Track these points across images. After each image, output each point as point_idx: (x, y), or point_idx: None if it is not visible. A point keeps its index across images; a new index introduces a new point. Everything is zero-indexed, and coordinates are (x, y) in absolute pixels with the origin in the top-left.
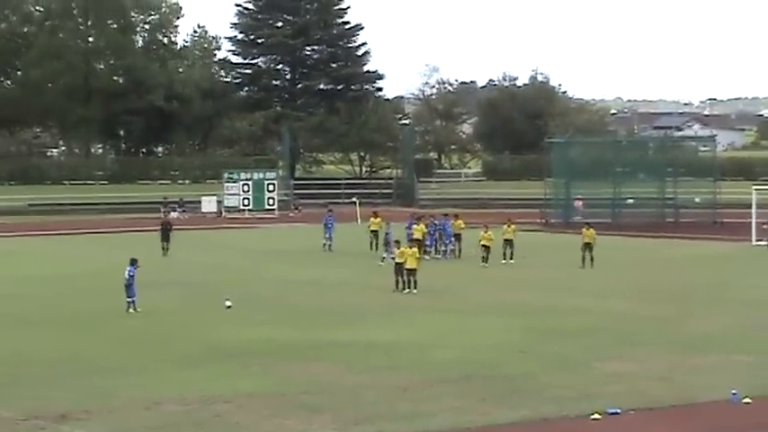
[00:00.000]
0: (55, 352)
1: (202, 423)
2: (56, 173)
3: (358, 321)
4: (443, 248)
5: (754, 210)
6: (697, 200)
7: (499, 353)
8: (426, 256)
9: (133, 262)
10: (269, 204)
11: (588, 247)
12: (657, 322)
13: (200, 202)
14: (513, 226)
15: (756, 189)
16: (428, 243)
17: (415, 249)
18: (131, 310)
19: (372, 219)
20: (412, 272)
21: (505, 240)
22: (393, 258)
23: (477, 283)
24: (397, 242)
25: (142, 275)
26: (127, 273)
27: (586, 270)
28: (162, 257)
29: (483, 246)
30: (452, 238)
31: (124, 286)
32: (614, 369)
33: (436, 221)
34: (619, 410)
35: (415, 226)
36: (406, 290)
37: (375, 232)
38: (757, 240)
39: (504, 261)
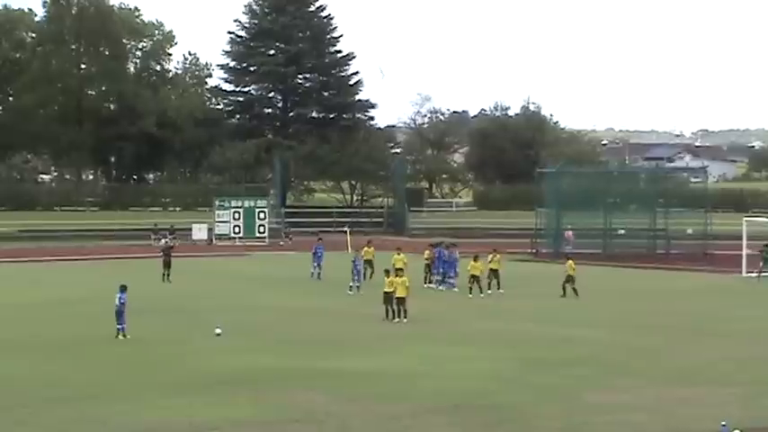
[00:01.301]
0: (42, 377)
1: None
2: (46, 198)
3: (347, 350)
4: (450, 279)
5: (744, 241)
6: (689, 231)
7: (488, 383)
8: (433, 285)
9: (123, 289)
10: (260, 232)
11: (570, 278)
12: (647, 353)
13: (190, 229)
14: (498, 255)
15: (747, 220)
16: (435, 271)
17: (405, 278)
18: (120, 337)
19: (366, 248)
20: (402, 301)
21: (491, 270)
22: (358, 287)
23: (467, 313)
24: (387, 271)
25: (132, 302)
26: (117, 299)
27: (576, 300)
28: (157, 284)
29: (472, 276)
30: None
31: (115, 313)
32: (603, 399)
33: (445, 251)
34: None
35: (396, 256)
36: (396, 319)
37: (369, 261)
38: (748, 272)
39: (489, 291)
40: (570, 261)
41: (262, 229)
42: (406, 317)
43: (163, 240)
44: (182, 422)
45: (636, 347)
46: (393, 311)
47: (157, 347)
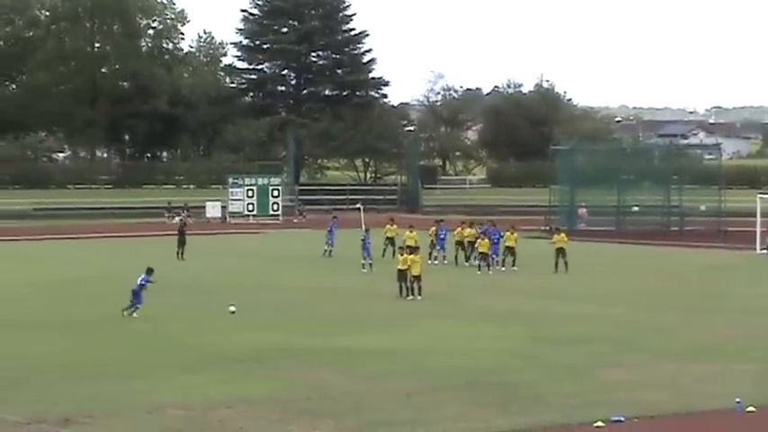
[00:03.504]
0: (59, 356)
1: (205, 428)
2: (61, 177)
3: (360, 328)
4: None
5: (758, 218)
6: (703, 208)
7: (501, 360)
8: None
9: (149, 271)
10: (273, 210)
11: (561, 252)
12: (661, 330)
13: (204, 207)
14: (515, 234)
15: (761, 197)
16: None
17: (419, 256)
18: (125, 314)
19: (389, 225)
20: (417, 278)
21: (507, 247)
22: (371, 264)
23: (480, 290)
24: (401, 249)
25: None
26: (140, 279)
27: (589, 277)
28: (172, 262)
29: (481, 253)
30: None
31: (131, 291)
32: (617, 377)
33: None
34: (622, 418)
35: (408, 233)
36: (410, 296)
37: (391, 239)
38: (762, 249)
39: (503, 268)
40: (562, 234)
41: (275, 206)
42: (420, 294)
43: (177, 218)
44: (197, 400)
45: (649, 324)
46: (407, 289)
47: (173, 325)
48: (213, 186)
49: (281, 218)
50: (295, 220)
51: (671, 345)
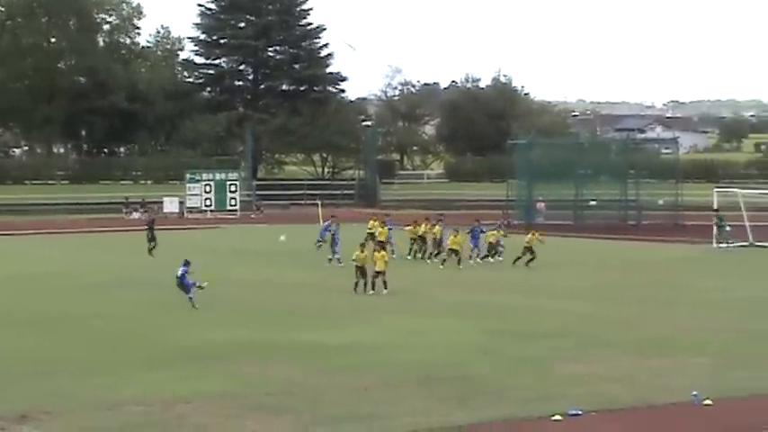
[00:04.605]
0: (15, 352)
1: (164, 424)
2: (17, 173)
3: (320, 322)
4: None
5: (715, 207)
6: (661, 202)
7: (461, 354)
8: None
9: (186, 263)
10: (231, 205)
11: (529, 250)
12: (619, 324)
13: (162, 202)
14: (501, 232)
15: (718, 191)
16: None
17: (384, 253)
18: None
19: (372, 221)
20: (381, 274)
21: (489, 243)
22: (338, 259)
23: (442, 285)
24: (362, 245)
25: (104, 276)
26: (180, 271)
27: (547, 271)
28: (131, 257)
29: (451, 249)
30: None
31: (182, 285)
32: (576, 371)
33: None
34: (580, 412)
35: (379, 229)
36: (371, 291)
37: (372, 234)
38: (718, 243)
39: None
40: (535, 233)
41: (233, 201)
42: (386, 288)
43: (135, 214)
44: (156, 396)
45: (609, 318)
46: (364, 284)
47: (132, 322)
48: (171, 182)
49: (238, 213)
50: (252, 216)
51: (629, 338)
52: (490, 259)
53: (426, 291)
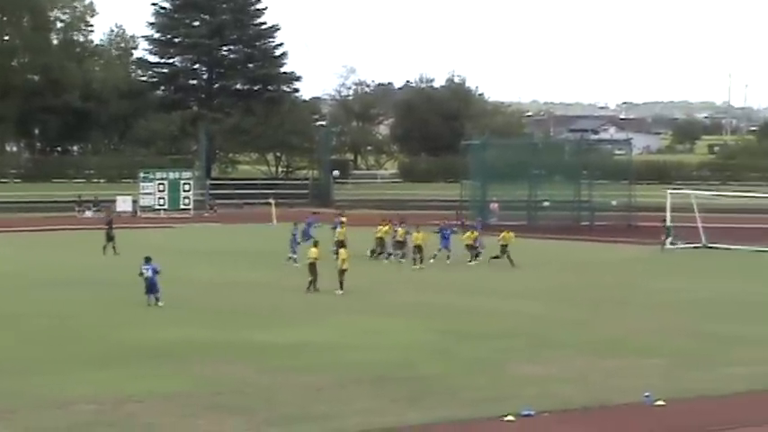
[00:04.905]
0: None
1: (115, 423)
2: None
3: (274, 322)
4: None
5: (668, 213)
6: (614, 202)
7: (414, 354)
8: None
9: (148, 260)
10: (184, 204)
11: (505, 248)
12: (571, 325)
13: (115, 201)
14: (475, 233)
15: (671, 193)
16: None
17: (345, 251)
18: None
19: (383, 226)
20: (342, 273)
21: (467, 245)
22: (295, 259)
23: (397, 285)
24: (316, 242)
25: (57, 274)
26: (149, 270)
27: (502, 272)
28: (85, 255)
29: (416, 246)
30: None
31: (150, 284)
32: (528, 371)
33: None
34: (532, 412)
35: (339, 229)
36: (340, 291)
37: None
38: (670, 244)
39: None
40: (511, 233)
41: (186, 201)
42: (341, 288)
43: (87, 212)
44: (107, 395)
45: (562, 319)
46: (312, 283)
47: (83, 321)
48: (124, 181)
49: (191, 212)
50: (206, 215)
51: (582, 339)
52: (472, 262)
53: (381, 291)
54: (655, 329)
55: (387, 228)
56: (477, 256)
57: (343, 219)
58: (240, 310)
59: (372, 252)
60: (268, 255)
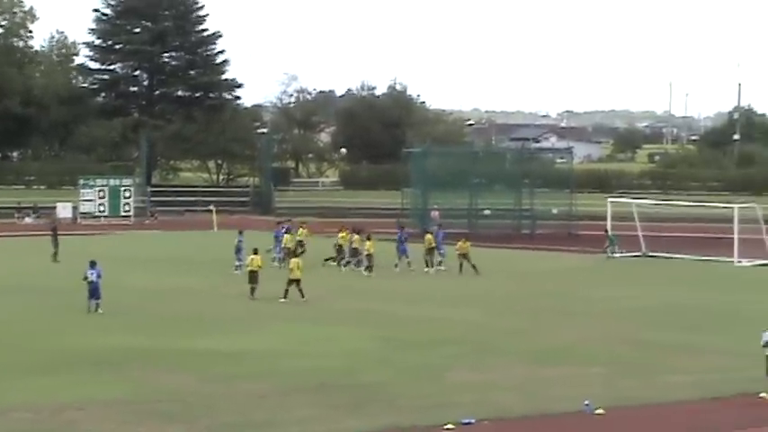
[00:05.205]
0: None
1: (53, 431)
2: None
3: (215, 330)
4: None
5: (609, 222)
6: (554, 211)
7: (356, 362)
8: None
9: (93, 264)
10: (125, 211)
11: (465, 257)
12: (512, 333)
13: (55, 207)
14: (467, 244)
15: (611, 201)
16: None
17: (299, 260)
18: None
19: (342, 233)
20: (297, 281)
21: (430, 250)
22: (240, 267)
23: (343, 293)
24: (255, 250)
25: None
26: (94, 275)
27: (443, 280)
28: (22, 262)
29: (368, 254)
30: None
31: (93, 288)
32: (469, 379)
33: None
34: (472, 420)
35: (286, 236)
36: (284, 299)
37: (300, 242)
38: (611, 252)
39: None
40: (467, 243)
41: (127, 207)
42: (286, 297)
43: (27, 219)
44: (45, 402)
45: (503, 327)
46: (254, 290)
47: (23, 327)
48: (64, 187)
49: (132, 219)
50: (146, 222)
51: (523, 347)
52: (430, 269)
53: (326, 298)
54: (596, 338)
55: (345, 234)
56: (439, 263)
57: (303, 228)
58: (181, 317)
59: (329, 259)
60: (209, 262)
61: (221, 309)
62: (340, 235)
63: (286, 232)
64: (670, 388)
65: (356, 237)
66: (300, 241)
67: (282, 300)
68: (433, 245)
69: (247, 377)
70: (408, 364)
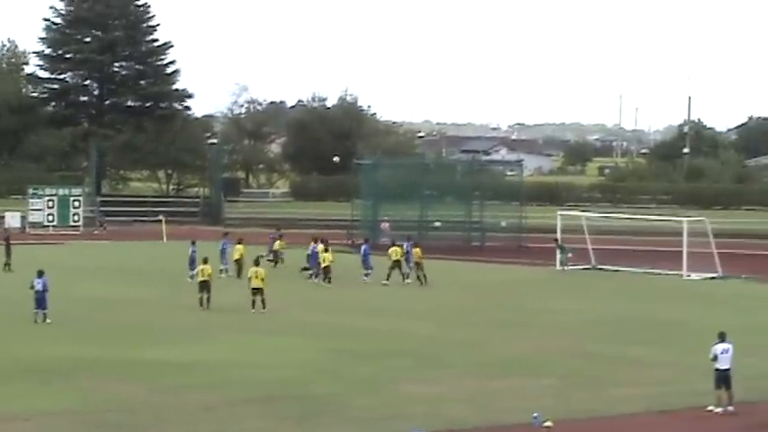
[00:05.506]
0: None
1: None
2: None
3: (165, 340)
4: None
5: (559, 234)
6: (503, 224)
7: (307, 373)
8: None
9: (41, 274)
10: (74, 221)
11: (398, 264)
12: (463, 345)
13: (3, 217)
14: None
15: (561, 214)
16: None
17: (258, 269)
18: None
19: (279, 241)
20: (260, 291)
21: (395, 261)
22: (193, 276)
23: (295, 304)
24: (205, 260)
25: None
26: (40, 285)
27: (394, 292)
28: None
29: (325, 267)
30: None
31: (39, 299)
32: (420, 391)
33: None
34: None
35: (237, 246)
36: (256, 310)
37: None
38: (560, 265)
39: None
40: (397, 248)
41: (76, 217)
42: (264, 307)
43: None
44: None
45: (454, 339)
46: (208, 299)
47: None
48: (13, 196)
49: (81, 229)
50: (96, 232)
51: (473, 360)
52: (408, 281)
53: (278, 310)
54: (546, 350)
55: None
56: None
57: (280, 239)
58: (131, 327)
59: (305, 269)
60: (159, 272)
61: (171, 319)
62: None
63: (280, 238)
64: (619, 401)
65: (320, 247)
66: (276, 251)
67: (253, 311)
68: (400, 258)
69: (197, 388)
70: (360, 375)
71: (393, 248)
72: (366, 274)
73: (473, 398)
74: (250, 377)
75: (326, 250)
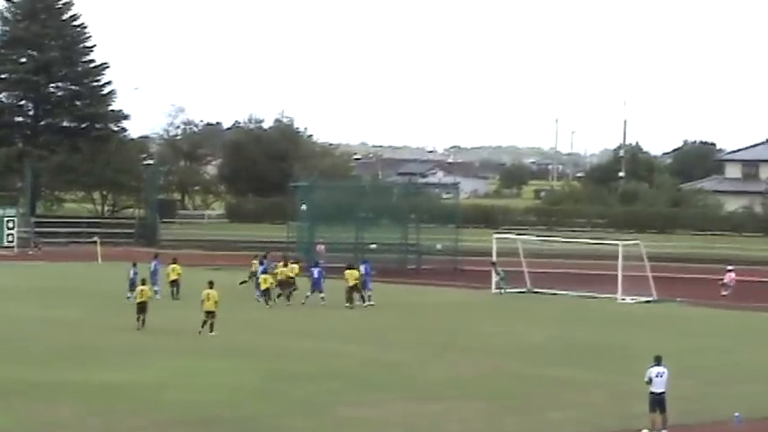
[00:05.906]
0: None
1: None
2: None
3: (97, 362)
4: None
5: (494, 257)
6: (439, 246)
7: (240, 395)
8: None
9: None
10: (8, 241)
11: (355, 288)
12: (397, 368)
13: None
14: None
15: (497, 237)
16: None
17: (211, 292)
18: None
19: (283, 267)
20: (212, 314)
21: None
22: (131, 298)
23: (230, 326)
24: (143, 281)
25: None
26: None
27: (328, 314)
28: None
29: (265, 289)
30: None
31: None
32: (353, 414)
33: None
34: None
35: (173, 266)
36: (210, 333)
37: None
38: (497, 288)
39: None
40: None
41: (11, 238)
42: (204, 327)
43: None
44: None
45: (388, 362)
46: (143, 320)
47: None
48: None
49: (15, 249)
50: (30, 252)
51: (407, 383)
52: (369, 303)
53: (217, 331)
54: (479, 373)
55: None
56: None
57: (255, 261)
58: (64, 348)
59: (281, 294)
60: (93, 293)
61: (105, 340)
62: (291, 266)
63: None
64: (553, 424)
65: (296, 266)
66: (255, 273)
67: (200, 332)
68: (357, 282)
69: (126, 411)
70: (293, 398)
71: (349, 271)
72: (322, 298)
73: (406, 421)
74: (182, 399)
75: (285, 265)
